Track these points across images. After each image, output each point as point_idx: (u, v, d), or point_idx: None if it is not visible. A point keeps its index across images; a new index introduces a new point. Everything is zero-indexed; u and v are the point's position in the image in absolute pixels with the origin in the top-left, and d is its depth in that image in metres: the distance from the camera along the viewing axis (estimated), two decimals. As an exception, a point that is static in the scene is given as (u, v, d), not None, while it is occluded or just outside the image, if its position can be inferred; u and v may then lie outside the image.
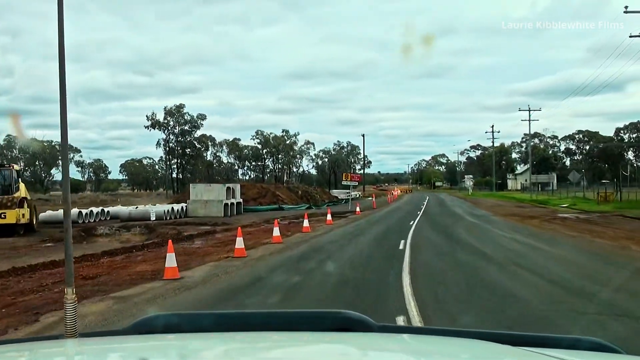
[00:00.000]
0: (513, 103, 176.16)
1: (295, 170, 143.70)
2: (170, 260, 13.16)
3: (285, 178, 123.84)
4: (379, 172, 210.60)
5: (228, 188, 45.04)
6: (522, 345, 1.95)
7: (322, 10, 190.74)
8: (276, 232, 21.12)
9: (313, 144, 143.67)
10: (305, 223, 26.29)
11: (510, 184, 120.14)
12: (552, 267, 14.03)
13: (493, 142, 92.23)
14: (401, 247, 18.12)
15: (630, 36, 32.81)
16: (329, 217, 31.45)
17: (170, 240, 13.95)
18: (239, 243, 17.14)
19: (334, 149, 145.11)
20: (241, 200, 47.51)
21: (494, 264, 14.64)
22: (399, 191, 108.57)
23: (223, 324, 2.15)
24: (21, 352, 2.00)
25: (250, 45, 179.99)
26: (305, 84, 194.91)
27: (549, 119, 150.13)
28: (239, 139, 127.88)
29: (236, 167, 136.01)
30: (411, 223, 29.55)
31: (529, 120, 68.87)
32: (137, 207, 42.80)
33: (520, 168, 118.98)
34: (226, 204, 43.69)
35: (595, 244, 19.08)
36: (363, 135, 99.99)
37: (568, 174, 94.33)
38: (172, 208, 42.32)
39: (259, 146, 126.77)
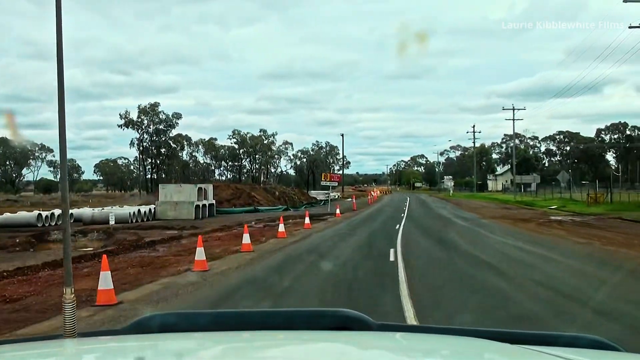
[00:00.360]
0: (491, 104, 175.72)
1: (273, 170, 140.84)
2: (105, 281, 10.24)
3: (262, 179, 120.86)
4: (357, 173, 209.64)
5: (200, 189, 42.03)
6: (520, 343, 1.91)
7: (301, 10, 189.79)
8: (246, 239, 18.22)
9: (291, 144, 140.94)
10: (281, 228, 23.47)
11: (490, 184, 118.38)
12: (583, 287, 11.33)
13: (474, 142, 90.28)
14: (392, 258, 15.32)
15: (630, 27, 30.51)
16: (307, 220, 28.66)
17: (105, 256, 10.98)
18: (199, 254, 14.24)
19: (312, 150, 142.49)
20: (214, 201, 44.50)
21: (514, 284, 11.77)
22: (379, 192, 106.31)
23: (221, 323, 2.11)
24: (21, 352, 1.97)
25: (229, 45, 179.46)
26: (284, 84, 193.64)
27: (527, 120, 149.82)
28: (216, 139, 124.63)
29: (213, 168, 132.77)
30: (397, 227, 26.89)
31: (513, 119, 66.78)
32: (102, 209, 39.55)
33: (500, 169, 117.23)
34: (197, 206, 40.70)
35: (614, 254, 16.45)
36: (342, 135, 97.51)
37: (549, 175, 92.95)
38: (139, 210, 39.16)
39: (236, 146, 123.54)
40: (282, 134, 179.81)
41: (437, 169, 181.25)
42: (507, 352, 1.87)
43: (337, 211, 38.81)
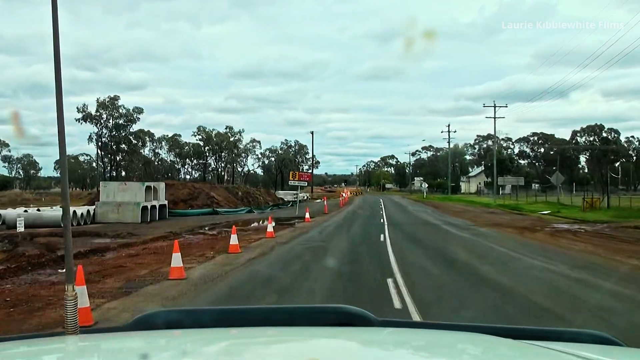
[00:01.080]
0: (460, 107, 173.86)
1: (240, 169, 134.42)
2: None
3: (226, 177, 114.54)
4: (326, 173, 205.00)
5: (149, 187, 35.88)
6: (523, 339, 1.90)
7: (272, 9, 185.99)
8: (176, 261, 12.36)
9: (259, 142, 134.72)
10: (233, 239, 17.62)
11: (463, 186, 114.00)
12: None
13: (449, 142, 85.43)
14: (396, 302, 9.51)
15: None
16: (269, 227, 22.84)
17: None
18: (82, 297, 8.38)
19: (281, 148, 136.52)
20: (166, 202, 38.38)
21: None
22: (349, 193, 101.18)
23: (223, 320, 2.10)
24: (23, 348, 1.96)
25: (199, 43, 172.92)
26: (253, 83, 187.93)
27: (498, 122, 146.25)
28: (179, 135, 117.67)
29: (178, 166, 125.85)
30: (382, 238, 21.32)
31: (494, 117, 61.90)
32: (26, 210, 33.09)
33: (474, 170, 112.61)
34: (145, 208, 34.60)
35: None
36: (312, 133, 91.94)
37: (524, 177, 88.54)
38: (75, 212, 32.86)
39: (201, 143, 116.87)
40: (252, 134, 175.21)
41: (407, 170, 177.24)
42: (510, 347, 1.84)
43: (307, 215, 33.13)
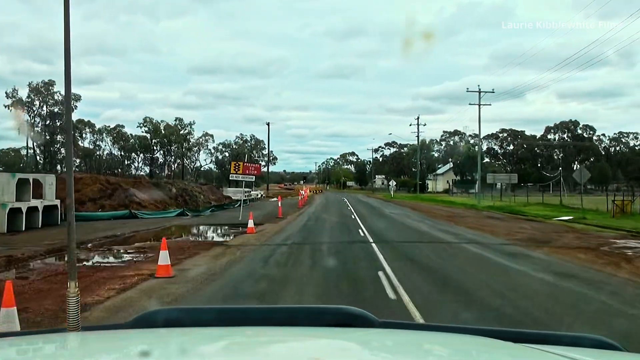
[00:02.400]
0: (418, 107, 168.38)
1: (193, 165, 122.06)
2: None
3: (166, 172, 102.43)
4: (284, 170, 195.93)
5: (24, 181, 24.36)
6: (523, 342, 1.85)
7: (232, 4, 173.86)
8: None
9: (212, 136, 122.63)
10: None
11: (430, 185, 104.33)
12: None
13: (418, 135, 75.27)
14: None
15: None
16: (163, 257, 11.64)
17: None
18: None
19: (236, 143, 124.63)
20: (58, 202, 26.77)
21: None
22: (309, 191, 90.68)
23: (224, 319, 2.06)
24: (25, 345, 1.93)
25: (158, 37, 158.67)
26: (212, 79, 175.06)
27: (454, 123, 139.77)
28: (123, 126, 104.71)
29: (125, 160, 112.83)
30: (381, 274, 10.73)
31: (479, 105, 51.82)
32: None
33: (441, 168, 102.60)
34: (17, 210, 23.19)
35: None
36: (268, 124, 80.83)
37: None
38: None
39: (148, 135, 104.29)
40: (210, 130, 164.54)
41: (368, 168, 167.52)
42: (511, 351, 1.80)
43: (250, 223, 22.04)
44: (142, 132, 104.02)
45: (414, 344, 1.97)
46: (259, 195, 69.56)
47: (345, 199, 63.40)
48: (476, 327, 2.12)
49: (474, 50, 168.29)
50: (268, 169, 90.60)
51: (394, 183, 77.16)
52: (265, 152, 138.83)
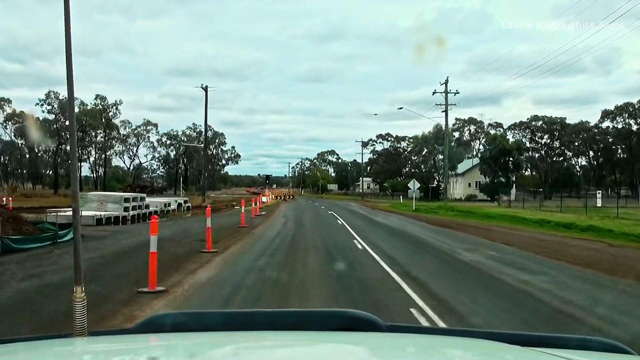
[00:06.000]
0: (395, 112, 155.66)
1: (129, 160, 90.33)
2: None
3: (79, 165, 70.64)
4: (259, 174, 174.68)
5: None
6: (530, 345, 1.79)
7: (209, 5, 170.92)
8: None
9: (156, 125, 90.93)
10: None
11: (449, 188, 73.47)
12: None
13: (447, 109, 44.77)
14: None
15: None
16: None
17: None
18: None
19: (187, 135, 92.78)
20: None
21: None
22: (270, 196, 60.46)
23: (230, 323, 2.00)
24: (30, 350, 1.83)
25: (133, 38, 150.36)
26: (188, 81, 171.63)
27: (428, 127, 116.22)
28: (9, 101, 72.27)
29: (26, 150, 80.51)
30: None
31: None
32: None
33: (462, 164, 71.13)
34: None
35: None
36: (205, 88, 48.48)
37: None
38: None
39: (50, 117, 72.44)
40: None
41: (350, 169, 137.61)
42: (517, 354, 1.73)
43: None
44: (46, 113, 72.28)
45: (420, 348, 1.90)
46: (186, 206, 38.21)
47: (330, 211, 32.79)
48: (483, 330, 2.03)
49: (452, 56, 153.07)
50: (206, 154, 59.06)
51: (417, 185, 45.74)
52: (225, 147, 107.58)
